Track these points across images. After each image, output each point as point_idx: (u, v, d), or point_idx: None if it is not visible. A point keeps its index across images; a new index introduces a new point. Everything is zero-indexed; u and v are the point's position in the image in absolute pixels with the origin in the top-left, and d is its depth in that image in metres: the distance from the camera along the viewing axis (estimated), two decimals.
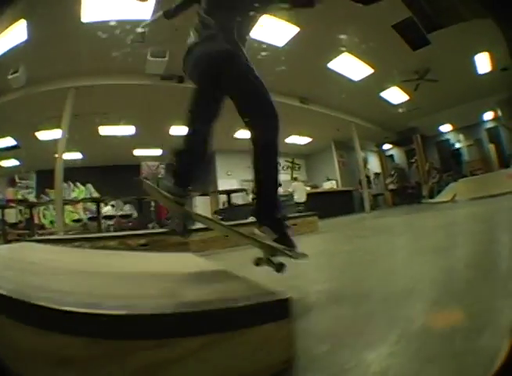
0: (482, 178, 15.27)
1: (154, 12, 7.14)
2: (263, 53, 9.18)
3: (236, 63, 2.32)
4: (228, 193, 12.67)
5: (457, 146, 22.16)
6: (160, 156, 14.87)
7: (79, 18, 7.47)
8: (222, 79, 2.25)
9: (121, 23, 7.25)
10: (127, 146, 13.94)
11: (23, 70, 8.56)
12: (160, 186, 2.21)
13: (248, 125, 2.39)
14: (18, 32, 7.47)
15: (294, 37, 9.55)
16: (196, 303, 1.20)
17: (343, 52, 11.06)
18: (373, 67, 12.51)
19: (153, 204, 13.29)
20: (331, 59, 11.36)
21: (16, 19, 7.13)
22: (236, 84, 2.38)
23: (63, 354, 0.98)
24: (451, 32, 10.77)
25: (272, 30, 9.08)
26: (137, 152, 14.73)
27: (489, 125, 21.07)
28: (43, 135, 11.62)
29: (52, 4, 7.19)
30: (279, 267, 1.96)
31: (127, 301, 1.18)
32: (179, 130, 12.73)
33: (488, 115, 20.34)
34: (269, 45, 9.46)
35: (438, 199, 15.55)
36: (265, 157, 2.38)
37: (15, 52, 7.98)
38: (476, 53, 12.98)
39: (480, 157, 20.26)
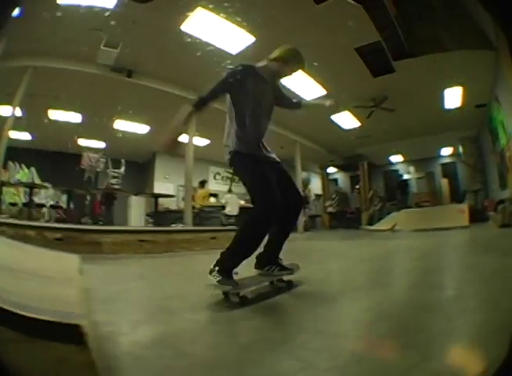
0: (429, 211, 16.08)
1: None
2: (215, 59, 9.39)
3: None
4: (156, 196, 12.81)
5: (406, 177, 23.18)
6: (102, 149, 14.91)
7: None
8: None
9: (87, 10, 7.56)
10: (72, 134, 13.85)
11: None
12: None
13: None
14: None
15: (249, 46, 9.64)
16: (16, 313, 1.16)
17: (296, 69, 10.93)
18: (325, 88, 12.62)
19: (88, 197, 13.72)
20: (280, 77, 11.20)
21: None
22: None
23: None
24: (421, 62, 11.05)
25: (227, 36, 9.24)
26: (81, 141, 14.70)
27: (446, 160, 22.41)
28: None
29: None
30: (289, 285, 3.48)
31: None
32: (123, 124, 12.76)
33: (447, 150, 21.67)
34: (221, 51, 9.66)
35: (376, 226, 16.20)
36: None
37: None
38: (447, 87, 13.27)
39: (429, 190, 21.44)
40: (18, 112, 10.04)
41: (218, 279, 2.95)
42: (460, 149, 20.26)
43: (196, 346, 1.92)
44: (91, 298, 2.32)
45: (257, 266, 3.49)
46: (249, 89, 3.39)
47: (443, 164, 23.41)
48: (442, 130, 18.08)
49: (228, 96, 3.51)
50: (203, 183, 14.59)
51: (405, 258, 5.49)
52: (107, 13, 7.79)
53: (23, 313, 1.18)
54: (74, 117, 12.70)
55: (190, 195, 12.02)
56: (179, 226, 10.26)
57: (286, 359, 1.70)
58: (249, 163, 3.41)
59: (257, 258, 3.49)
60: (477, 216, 15.04)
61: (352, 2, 8.35)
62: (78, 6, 7.51)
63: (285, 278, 3.53)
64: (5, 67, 9.20)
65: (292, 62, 3.78)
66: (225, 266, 3.05)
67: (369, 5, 8.79)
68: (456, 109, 15.00)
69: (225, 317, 2.58)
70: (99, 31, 8.39)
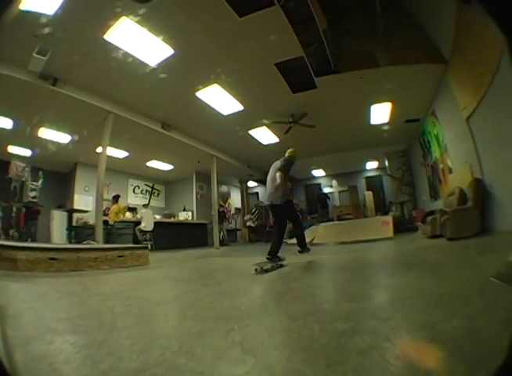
0: (351, 224, 16.37)
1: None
2: (134, 70, 9.76)
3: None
4: (70, 211, 12.72)
5: (327, 190, 23.94)
6: (29, 157, 14.69)
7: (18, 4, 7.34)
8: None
9: (28, 14, 7.49)
10: (3, 140, 13.62)
11: None
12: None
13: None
14: None
15: (168, 59, 9.70)
16: None
17: (214, 82, 11.30)
18: (243, 104, 12.81)
19: (14, 209, 13.19)
20: (200, 89, 11.57)
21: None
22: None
23: None
24: (347, 78, 11.33)
25: (148, 48, 9.25)
26: (11, 148, 14.41)
27: (371, 174, 23.57)
28: None
29: None
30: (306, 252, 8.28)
31: None
32: (47, 133, 12.67)
33: (372, 164, 22.59)
34: (141, 63, 9.69)
35: (295, 240, 16.51)
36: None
37: None
38: (374, 103, 13.58)
39: (352, 203, 22.07)
40: None
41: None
42: (386, 163, 21.10)
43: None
44: None
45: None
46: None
47: (368, 178, 24.54)
48: (368, 145, 18.74)
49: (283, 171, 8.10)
50: (116, 198, 14.54)
51: (307, 278, 5.70)
52: (44, 20, 7.75)
53: None
54: (6, 123, 12.52)
55: (101, 209, 11.93)
56: (90, 244, 10.23)
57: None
58: (293, 205, 8.25)
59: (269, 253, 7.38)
60: (405, 226, 16.17)
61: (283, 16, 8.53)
62: (23, 11, 7.38)
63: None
64: None
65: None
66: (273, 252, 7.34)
67: (297, 20, 9.01)
68: (384, 124, 15.47)
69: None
70: (35, 37, 8.38)
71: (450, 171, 12.42)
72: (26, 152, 14.84)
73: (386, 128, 15.75)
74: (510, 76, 6.56)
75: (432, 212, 11.93)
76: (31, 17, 7.57)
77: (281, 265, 6.95)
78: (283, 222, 7.94)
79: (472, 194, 9.22)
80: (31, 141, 13.75)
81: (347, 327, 2.46)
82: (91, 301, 4.23)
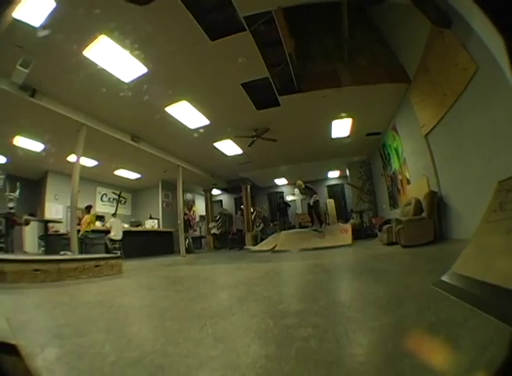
0: (312, 231, 16.60)
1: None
2: (108, 85, 10.32)
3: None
4: (45, 222, 13.00)
5: (290, 198, 24.56)
6: (3, 164, 14.99)
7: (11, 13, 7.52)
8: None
9: (17, 24, 7.74)
10: None
11: None
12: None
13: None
14: None
15: (141, 76, 10.21)
16: None
17: (183, 98, 11.91)
18: (210, 119, 13.47)
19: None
20: (170, 104, 12.16)
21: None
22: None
23: None
24: (309, 97, 12.01)
25: (123, 65, 9.76)
26: None
27: (332, 182, 24.63)
28: None
29: None
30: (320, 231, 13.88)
31: None
32: (23, 141, 13.13)
33: (334, 173, 23.67)
34: (116, 79, 10.23)
35: (258, 247, 16.98)
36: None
37: None
38: (334, 119, 14.22)
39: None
40: None
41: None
42: (348, 172, 21.93)
43: None
44: None
45: None
46: None
47: (330, 186, 25.40)
48: (329, 156, 19.66)
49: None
50: (88, 208, 14.69)
51: (266, 284, 5.99)
52: (29, 31, 8.00)
53: None
54: None
55: (75, 220, 12.26)
56: (67, 254, 10.45)
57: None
58: None
59: None
60: (366, 233, 17.02)
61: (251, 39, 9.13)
62: (13, 19, 7.49)
63: None
64: None
65: None
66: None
67: (265, 43, 9.65)
68: (345, 137, 16.22)
69: None
70: (20, 48, 8.68)
71: (408, 182, 13.10)
72: (1, 159, 15.12)
73: (347, 140, 16.52)
74: (475, 99, 7.34)
75: (388, 221, 12.73)
76: (18, 27, 7.84)
77: None
78: None
79: (427, 205, 9.83)
80: (6, 148, 14.08)
81: (294, 322, 3.13)
82: (81, 309, 4.69)
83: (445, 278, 3.65)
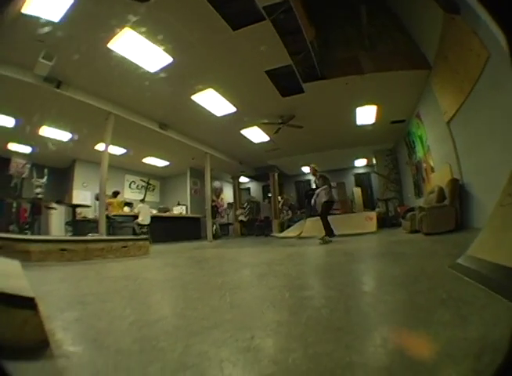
0: (338, 218, 16.20)
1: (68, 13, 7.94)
2: (134, 76, 10.39)
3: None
4: (74, 206, 13.20)
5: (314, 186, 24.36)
6: (28, 154, 15.28)
7: (20, 8, 7.71)
8: None
9: (36, 19, 8.00)
10: (3, 138, 14.07)
11: None
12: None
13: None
14: None
15: (167, 66, 10.31)
16: None
17: (209, 87, 11.97)
18: (236, 106, 13.49)
19: (14, 205, 13.56)
20: (196, 92, 12.21)
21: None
22: None
23: None
24: (332, 84, 11.97)
25: (148, 56, 9.90)
26: (11, 146, 14.84)
27: (360, 171, 24.06)
28: None
29: None
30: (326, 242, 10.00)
31: None
32: (49, 131, 13.31)
33: (361, 162, 23.05)
34: (141, 69, 10.34)
35: (284, 234, 17.17)
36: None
37: None
38: (359, 106, 14.14)
39: (340, 198, 22.11)
40: None
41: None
42: (374, 160, 21.65)
43: None
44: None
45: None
46: None
47: (356, 174, 25.00)
48: (356, 144, 19.33)
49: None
50: (115, 194, 14.97)
51: (288, 263, 6.15)
52: (49, 26, 8.21)
53: (4, 292, 1.88)
54: (7, 121, 12.89)
55: (104, 204, 12.44)
56: (95, 236, 10.69)
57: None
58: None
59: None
60: (391, 222, 16.69)
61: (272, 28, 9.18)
62: (27, 15, 7.91)
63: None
64: None
65: None
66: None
67: (285, 32, 9.63)
68: (370, 125, 16.01)
69: None
70: (41, 43, 8.85)
71: (432, 170, 12.95)
72: (26, 149, 15.34)
73: (372, 128, 16.33)
74: (490, 85, 7.25)
75: (412, 209, 12.46)
76: (37, 23, 8.08)
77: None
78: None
79: (449, 193, 9.73)
80: (32, 138, 14.24)
81: (309, 294, 3.28)
82: (106, 281, 4.83)
83: (460, 261, 3.66)
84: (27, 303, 1.94)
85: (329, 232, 10.65)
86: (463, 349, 1.60)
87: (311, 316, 2.52)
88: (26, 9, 7.81)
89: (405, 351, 1.69)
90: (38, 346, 1.88)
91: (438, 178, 11.58)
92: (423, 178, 14.59)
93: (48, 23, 8.18)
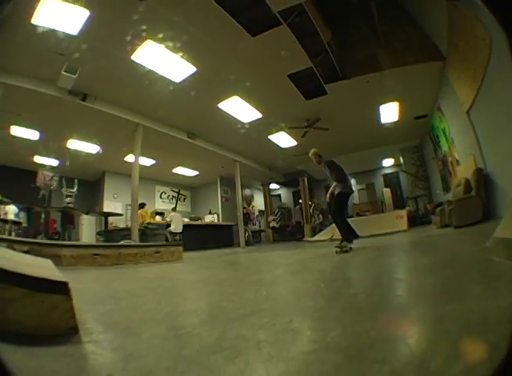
0: (369, 219, 16.72)
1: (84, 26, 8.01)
2: (159, 86, 10.39)
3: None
4: (106, 215, 13.26)
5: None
6: (56, 167, 15.17)
7: (30, 18, 7.64)
8: None
9: (55, 33, 8.03)
10: (29, 151, 14.09)
11: None
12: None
13: None
14: None
15: (191, 75, 10.32)
16: (23, 272, 1.89)
17: (234, 94, 11.93)
18: (261, 112, 13.41)
19: (43, 215, 13.38)
20: (222, 100, 12.17)
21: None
22: None
23: None
24: (354, 83, 11.81)
25: (172, 66, 9.94)
26: (37, 158, 14.86)
27: (388, 171, 23.29)
28: None
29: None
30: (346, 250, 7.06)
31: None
32: (76, 144, 13.37)
33: (388, 162, 22.38)
34: (167, 80, 10.38)
35: (316, 238, 17.05)
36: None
37: None
38: (382, 104, 13.92)
39: (370, 199, 21.99)
40: None
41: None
42: (401, 159, 21.16)
43: None
44: None
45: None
46: None
47: (385, 175, 24.49)
48: (381, 143, 19.02)
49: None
50: (141, 205, 14.71)
51: (321, 261, 6.32)
52: (69, 39, 8.30)
53: (33, 275, 1.94)
54: (33, 135, 12.95)
55: (136, 213, 12.52)
56: (128, 242, 10.66)
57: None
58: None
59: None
60: (421, 220, 16.31)
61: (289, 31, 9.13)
62: (47, 29, 7.95)
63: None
64: None
65: None
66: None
67: (303, 35, 9.59)
68: (394, 122, 15.74)
69: None
70: (61, 56, 8.92)
71: (458, 163, 12.57)
72: (53, 162, 15.39)
73: (396, 125, 16.03)
74: (499, 69, 7.02)
75: (441, 204, 12.25)
76: (56, 36, 8.14)
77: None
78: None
79: (474, 183, 9.52)
80: (59, 151, 14.36)
81: (344, 284, 3.30)
82: (140, 281, 4.92)
83: (488, 243, 3.70)
84: (60, 287, 1.97)
85: (348, 235, 7.56)
86: (496, 316, 1.64)
87: (348, 301, 2.55)
88: (41, 22, 7.88)
89: (442, 323, 1.70)
90: (66, 333, 1.89)
91: (464, 171, 11.27)
92: (450, 173, 14.27)
93: (67, 36, 8.28)
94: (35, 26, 7.85)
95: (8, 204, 12.85)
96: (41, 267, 2.68)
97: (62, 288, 1.97)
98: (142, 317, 2.50)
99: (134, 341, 1.89)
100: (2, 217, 12.52)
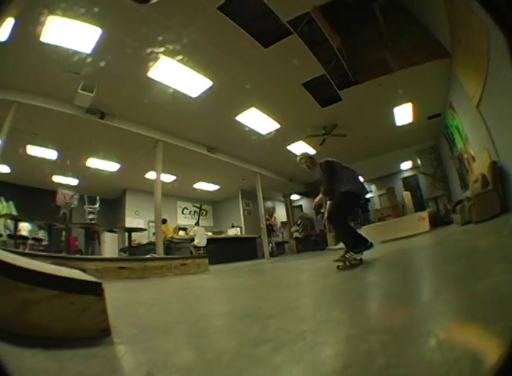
0: (391, 223, 16.69)
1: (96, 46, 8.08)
2: (177, 102, 10.48)
3: None
4: (129, 231, 13.22)
5: (367, 196, 23.82)
6: (76, 186, 15.26)
7: (39, 36, 7.68)
8: None
9: (67, 51, 8.08)
10: (48, 170, 14.06)
11: None
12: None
13: None
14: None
15: (207, 89, 10.34)
16: (55, 274, 1.91)
17: (251, 106, 11.90)
18: (279, 122, 13.36)
19: (64, 233, 13.54)
20: (239, 113, 12.16)
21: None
22: None
23: None
24: (366, 87, 11.75)
25: (188, 81, 9.98)
26: (56, 178, 14.94)
27: (406, 174, 22.99)
28: None
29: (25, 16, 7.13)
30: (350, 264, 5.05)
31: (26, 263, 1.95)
32: (95, 162, 13.47)
33: (406, 165, 22.21)
34: (184, 95, 10.44)
35: (340, 245, 16.78)
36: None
37: None
38: (395, 106, 13.82)
39: (391, 204, 21.73)
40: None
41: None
42: (418, 161, 21.02)
43: None
44: None
45: None
46: None
47: (404, 178, 24.20)
48: (398, 146, 18.90)
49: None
50: (163, 221, 14.36)
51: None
52: (83, 58, 8.31)
53: (66, 276, 1.95)
54: (50, 154, 13.05)
55: (160, 227, 12.39)
56: (154, 256, 10.63)
57: None
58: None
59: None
60: (442, 221, 16.13)
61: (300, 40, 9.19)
62: (59, 47, 8.00)
63: None
64: None
65: None
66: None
67: (313, 42, 9.63)
68: (409, 124, 15.59)
69: None
70: (76, 74, 8.93)
71: (473, 159, 12.39)
72: (72, 181, 15.56)
73: (412, 127, 15.84)
74: (500, 60, 6.82)
75: (461, 201, 12.13)
76: (69, 54, 8.18)
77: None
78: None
79: (490, 177, 9.43)
80: (78, 170, 14.53)
81: (375, 280, 3.34)
82: (169, 290, 4.95)
83: (507, 231, 3.97)
84: (94, 288, 1.96)
85: (355, 243, 5.62)
86: None
87: (383, 293, 2.69)
88: (54, 40, 7.94)
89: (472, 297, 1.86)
90: (97, 335, 1.86)
91: (480, 166, 11.08)
92: (467, 170, 14.09)
93: (80, 54, 8.34)
94: (48, 44, 7.95)
95: (21, 221, 12.73)
96: (69, 272, 2.59)
97: (96, 289, 1.97)
98: (177, 320, 2.55)
99: (171, 340, 1.90)
100: (18, 233, 12.27)
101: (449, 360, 1.10)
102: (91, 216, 12.40)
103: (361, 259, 5.44)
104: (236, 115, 12.34)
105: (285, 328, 1.81)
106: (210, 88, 10.32)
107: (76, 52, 8.25)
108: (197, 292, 4.34)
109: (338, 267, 5.03)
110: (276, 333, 1.74)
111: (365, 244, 5.62)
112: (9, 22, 7.11)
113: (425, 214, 15.46)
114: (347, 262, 5.15)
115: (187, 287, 5.16)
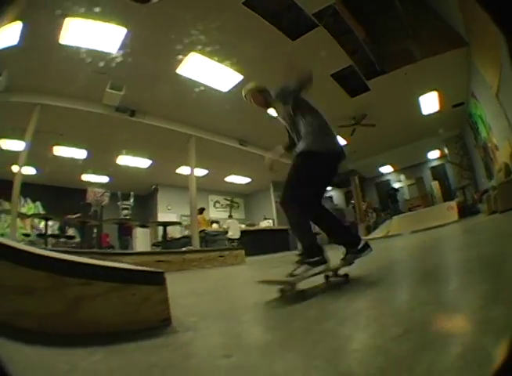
0: (421, 213, 16.49)
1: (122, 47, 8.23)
2: (208, 97, 10.55)
3: None
4: (164, 225, 13.28)
5: (397, 185, 23.44)
6: (106, 183, 15.22)
7: (58, 38, 7.81)
8: None
9: (91, 52, 8.26)
10: (76, 170, 14.33)
11: (6, 76, 8.68)
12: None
13: None
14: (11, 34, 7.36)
15: (238, 83, 10.29)
16: (112, 265, 1.93)
17: None
18: None
19: (95, 230, 13.56)
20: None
21: (14, 20, 7.10)
22: None
23: (28, 285, 1.56)
24: (393, 77, 11.76)
25: (219, 76, 10.08)
26: (85, 177, 15.10)
27: (434, 164, 22.56)
28: (5, 144, 11.52)
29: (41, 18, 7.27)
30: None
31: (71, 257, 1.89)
32: (126, 160, 13.53)
33: (434, 154, 21.74)
34: (214, 90, 10.55)
35: (371, 236, 16.48)
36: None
37: (3, 54, 8.04)
38: (421, 94, 13.74)
39: (420, 194, 21.56)
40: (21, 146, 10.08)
41: None
42: (446, 150, 20.73)
43: None
44: None
45: None
46: None
47: (432, 168, 23.77)
48: (425, 135, 18.69)
49: None
50: (201, 210, 14.60)
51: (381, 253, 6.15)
52: (109, 58, 8.48)
53: (129, 268, 1.97)
54: (79, 154, 13.26)
55: (196, 221, 12.68)
56: (190, 248, 10.66)
57: None
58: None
59: None
60: (470, 210, 15.71)
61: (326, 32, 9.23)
62: (82, 48, 8.17)
63: None
64: (11, 102, 9.52)
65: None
66: None
67: (338, 33, 9.66)
68: (435, 113, 15.52)
69: None
70: (103, 74, 9.07)
71: (497, 148, 12.26)
72: (103, 179, 15.58)
73: (437, 115, 15.79)
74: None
75: (487, 191, 12.04)
76: (94, 55, 8.36)
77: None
78: None
79: None
80: (109, 168, 14.66)
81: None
82: (213, 281, 4.99)
83: None
84: (156, 277, 1.98)
85: (312, 247, 3.29)
86: None
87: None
88: (77, 42, 8.08)
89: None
90: (157, 326, 1.83)
91: (504, 155, 10.90)
92: (491, 159, 13.86)
93: (106, 54, 8.49)
94: (69, 46, 8.09)
95: (56, 220, 13.15)
96: (121, 265, 2.58)
97: (158, 278, 1.98)
98: (232, 306, 2.59)
99: (235, 325, 1.94)
100: (44, 232, 11.97)
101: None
102: (125, 212, 12.44)
103: (346, 275, 3.28)
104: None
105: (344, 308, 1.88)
106: (241, 82, 10.24)
107: (101, 53, 8.42)
108: (242, 282, 4.38)
109: (282, 291, 2.76)
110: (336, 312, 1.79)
111: (363, 246, 3.50)
112: (16, 26, 7.24)
113: (454, 203, 15.39)
114: (294, 284, 2.67)
115: (230, 278, 5.20)
